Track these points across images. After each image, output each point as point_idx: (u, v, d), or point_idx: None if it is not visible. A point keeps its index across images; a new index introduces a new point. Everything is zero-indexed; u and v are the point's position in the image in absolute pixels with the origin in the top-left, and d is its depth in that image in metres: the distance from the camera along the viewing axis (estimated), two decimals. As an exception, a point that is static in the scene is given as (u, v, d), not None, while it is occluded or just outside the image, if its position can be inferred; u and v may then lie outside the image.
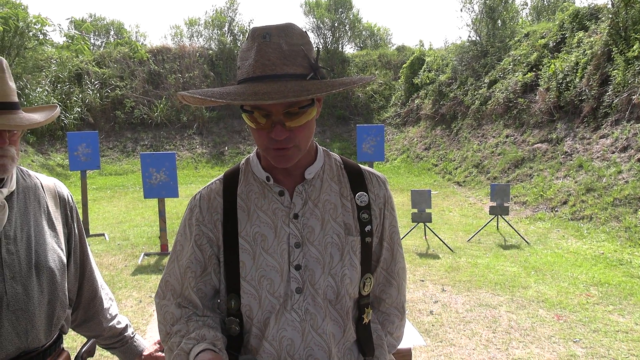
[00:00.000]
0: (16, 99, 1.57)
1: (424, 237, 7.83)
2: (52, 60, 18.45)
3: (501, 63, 14.57)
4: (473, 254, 7.06)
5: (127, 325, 1.89)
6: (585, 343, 4.30)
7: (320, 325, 1.33)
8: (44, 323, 1.58)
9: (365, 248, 1.40)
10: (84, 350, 1.77)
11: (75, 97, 17.92)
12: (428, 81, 18.03)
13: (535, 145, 11.37)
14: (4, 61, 1.55)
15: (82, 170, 8.85)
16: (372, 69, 21.97)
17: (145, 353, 1.87)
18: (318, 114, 1.34)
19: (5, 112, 1.51)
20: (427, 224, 7.64)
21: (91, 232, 8.59)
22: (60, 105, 16.75)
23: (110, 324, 1.82)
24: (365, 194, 1.42)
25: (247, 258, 1.34)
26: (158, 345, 1.86)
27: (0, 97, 1.51)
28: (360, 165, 1.49)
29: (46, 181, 1.73)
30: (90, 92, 18.37)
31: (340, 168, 1.45)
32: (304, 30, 1.26)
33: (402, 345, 2.01)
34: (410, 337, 2.04)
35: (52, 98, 16.94)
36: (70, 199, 1.77)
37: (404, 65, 20.11)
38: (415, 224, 7.62)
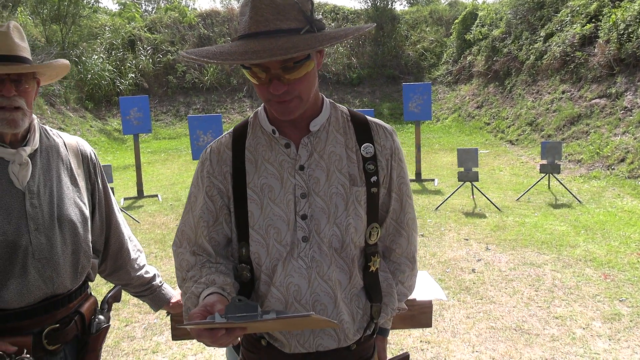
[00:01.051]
0: (23, 55, 1.62)
1: (471, 197, 7.72)
2: (105, 27, 18.93)
3: (558, 15, 13.85)
4: (521, 212, 6.92)
5: (155, 274, 1.99)
6: (632, 302, 4.19)
7: (326, 272, 1.37)
8: (69, 271, 1.68)
9: (371, 198, 1.42)
10: (109, 295, 1.90)
11: (129, 63, 18.39)
12: (481, 37, 17.40)
13: (593, 101, 10.86)
14: (13, 23, 1.63)
15: (135, 134, 9.16)
16: (423, 26, 21.37)
17: (172, 301, 1.97)
18: (320, 65, 1.35)
19: (7, 63, 1.57)
20: (475, 183, 7.51)
21: (145, 194, 8.94)
22: (115, 72, 17.30)
23: (138, 274, 1.93)
24: (371, 145, 1.43)
25: (255, 208, 1.39)
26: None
27: (4, 50, 1.57)
28: (367, 117, 1.49)
29: (69, 140, 1.81)
30: (143, 58, 18.79)
31: (346, 120, 1.46)
32: None
33: (422, 297, 2.04)
34: (430, 291, 2.06)
35: (107, 65, 17.44)
36: (93, 155, 1.85)
37: (456, 20, 19.45)
38: (462, 182, 7.51)
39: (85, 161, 1.82)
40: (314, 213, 1.37)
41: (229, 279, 1.38)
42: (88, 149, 1.85)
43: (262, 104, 1.46)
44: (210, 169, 1.44)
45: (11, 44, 1.59)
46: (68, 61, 1.77)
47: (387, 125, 1.50)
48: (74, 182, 1.75)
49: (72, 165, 1.76)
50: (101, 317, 1.81)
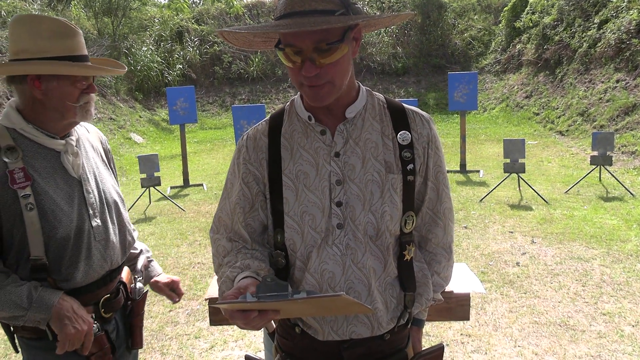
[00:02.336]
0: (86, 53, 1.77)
1: (517, 189, 7.54)
2: (154, 19, 19.32)
3: (614, 1, 13.28)
4: (569, 205, 6.72)
5: (141, 250, 2.13)
6: (686, 300, 4.02)
7: (360, 259, 1.37)
8: (119, 248, 1.86)
9: (407, 186, 1.40)
10: (142, 265, 2.07)
11: (177, 54, 18.73)
12: (531, 24, 16.86)
13: (650, 90, 10.39)
14: (63, 20, 1.73)
15: (181, 124, 9.35)
16: (471, 14, 20.89)
17: (155, 279, 2.11)
18: (355, 54, 1.34)
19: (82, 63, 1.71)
20: (521, 174, 7.33)
21: (191, 183, 9.13)
22: (163, 63, 17.67)
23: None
24: (407, 132, 1.41)
25: (290, 195, 1.40)
26: (168, 279, 2.13)
27: (78, 50, 1.70)
28: (404, 104, 1.48)
29: (91, 128, 1.97)
30: (191, 49, 19.10)
31: (383, 107, 1.45)
32: None
33: (460, 290, 2.02)
34: (469, 283, 2.03)
35: (156, 56, 17.82)
36: (107, 143, 2.02)
37: (505, 8, 18.90)
38: (508, 174, 7.34)
39: (105, 147, 1.98)
40: (349, 200, 1.37)
41: (264, 264, 1.39)
42: (103, 136, 2.02)
43: (299, 92, 1.47)
44: (246, 155, 1.46)
45: (82, 43, 1.73)
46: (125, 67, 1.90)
47: (424, 113, 1.48)
48: (106, 166, 1.92)
49: (100, 152, 1.92)
50: (139, 284, 1.98)
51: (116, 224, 1.85)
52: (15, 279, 1.60)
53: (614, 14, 12.96)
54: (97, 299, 1.78)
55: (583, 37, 13.91)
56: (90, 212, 1.74)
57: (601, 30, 13.18)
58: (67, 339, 1.61)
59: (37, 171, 1.64)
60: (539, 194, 7.09)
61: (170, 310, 4.27)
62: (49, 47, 1.63)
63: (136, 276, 2.00)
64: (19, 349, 1.76)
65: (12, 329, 1.71)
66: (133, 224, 2.13)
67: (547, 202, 6.87)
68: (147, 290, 2.04)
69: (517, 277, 4.62)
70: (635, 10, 12.02)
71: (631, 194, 7.04)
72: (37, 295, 1.59)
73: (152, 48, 18.14)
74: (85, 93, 1.70)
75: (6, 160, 1.59)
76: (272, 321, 1.53)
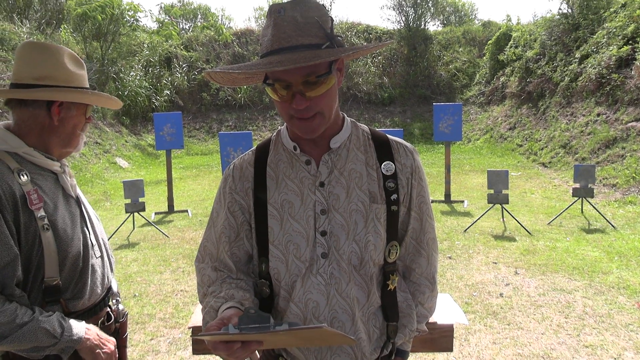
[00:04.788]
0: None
1: (500, 219, 7.60)
2: (144, 45, 19.44)
3: (594, 36, 13.65)
4: (552, 237, 6.78)
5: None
6: (667, 332, 4.05)
7: (344, 289, 1.37)
8: (108, 265, 1.91)
9: (391, 216, 1.42)
10: (117, 290, 2.07)
11: (165, 80, 18.82)
12: (514, 57, 17.25)
13: (630, 124, 10.62)
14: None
15: (167, 150, 9.33)
16: (456, 47, 21.32)
17: None
18: (340, 84, 1.37)
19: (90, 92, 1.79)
20: (505, 205, 7.40)
21: (175, 209, 9.06)
22: (151, 88, 17.73)
23: None
24: (391, 163, 1.44)
25: (275, 224, 1.40)
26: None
27: (86, 81, 1.79)
28: (388, 136, 1.50)
29: None
30: (179, 75, 19.21)
31: (367, 138, 1.48)
32: (321, 3, 1.30)
33: (444, 321, 2.02)
34: (452, 314, 2.03)
35: (144, 81, 17.87)
36: None
37: (490, 41, 19.35)
38: (492, 205, 7.40)
39: None
40: (333, 229, 1.38)
41: (248, 294, 1.39)
42: None
43: (285, 123, 1.49)
44: (232, 185, 1.47)
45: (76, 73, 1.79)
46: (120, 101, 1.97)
47: (407, 144, 1.51)
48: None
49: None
50: (121, 305, 1.99)
51: (102, 243, 1.88)
52: (41, 310, 1.59)
53: (595, 50, 13.32)
54: (98, 320, 1.82)
55: (565, 72, 14.24)
56: (90, 228, 1.80)
57: (582, 65, 13.51)
58: None
59: (45, 192, 1.66)
60: (522, 225, 7.15)
61: (152, 339, 4.20)
62: (73, 77, 1.71)
63: (118, 299, 2.00)
64: None
65: None
66: (116, 249, 2.15)
67: (530, 233, 6.93)
68: (128, 312, 2.05)
69: (501, 308, 4.63)
70: (615, 47, 12.36)
71: (612, 226, 7.13)
72: (67, 324, 1.60)
73: (141, 73, 18.21)
74: (87, 123, 1.79)
75: (21, 182, 1.59)
76: (257, 351, 1.52)
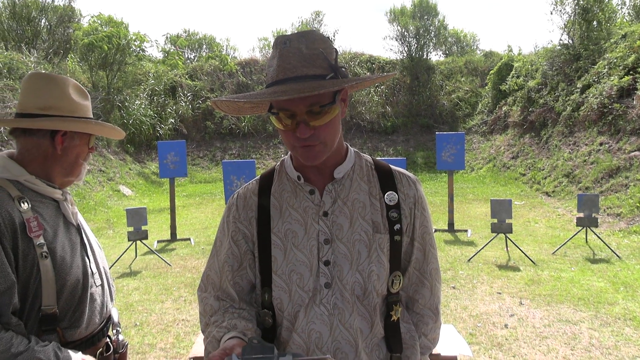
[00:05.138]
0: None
1: (504, 249, 7.55)
2: (149, 74, 19.69)
3: (595, 67, 13.78)
4: (557, 267, 6.72)
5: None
6: (676, 365, 3.98)
7: (347, 319, 1.36)
8: (109, 294, 1.90)
9: (394, 246, 1.42)
10: (117, 320, 2.05)
11: (170, 108, 18.99)
12: (516, 87, 17.40)
13: (633, 154, 10.63)
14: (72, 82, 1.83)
15: (171, 178, 9.37)
16: (458, 76, 21.53)
17: None
18: (344, 114, 1.39)
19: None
20: (508, 235, 7.36)
21: (178, 237, 9.05)
22: (156, 117, 17.90)
23: None
24: (394, 193, 1.44)
25: (278, 253, 1.40)
26: None
27: (91, 112, 1.82)
28: (391, 166, 1.51)
29: None
30: (183, 104, 19.40)
31: (370, 168, 1.48)
32: (326, 36, 1.32)
33: (447, 352, 2.00)
34: (456, 345, 2.01)
35: (149, 110, 18.05)
36: None
37: (491, 71, 19.55)
38: (495, 234, 7.37)
39: None
40: (336, 259, 1.38)
41: (251, 324, 1.38)
42: None
43: (289, 153, 1.50)
44: (236, 214, 1.47)
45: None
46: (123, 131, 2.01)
47: (410, 174, 1.51)
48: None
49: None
50: (121, 336, 1.97)
51: (103, 271, 1.87)
52: (37, 339, 1.58)
53: (596, 80, 13.42)
54: (96, 351, 1.79)
55: (567, 101, 14.33)
56: (90, 256, 1.80)
57: (584, 95, 13.60)
58: None
59: (45, 220, 1.66)
60: (526, 255, 7.10)
61: (152, 369, 4.15)
62: (77, 107, 1.75)
63: (118, 329, 1.98)
64: None
65: None
66: (117, 278, 2.14)
67: (534, 263, 6.88)
68: (128, 342, 2.03)
69: (506, 339, 4.57)
70: (616, 77, 12.46)
71: (617, 256, 7.07)
72: (63, 355, 1.58)
73: (146, 102, 18.39)
74: (89, 152, 1.82)
75: (21, 209, 1.60)
76: None
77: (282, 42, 1.27)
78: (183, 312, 5.39)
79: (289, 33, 1.31)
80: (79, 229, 1.80)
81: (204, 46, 28.58)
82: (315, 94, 1.24)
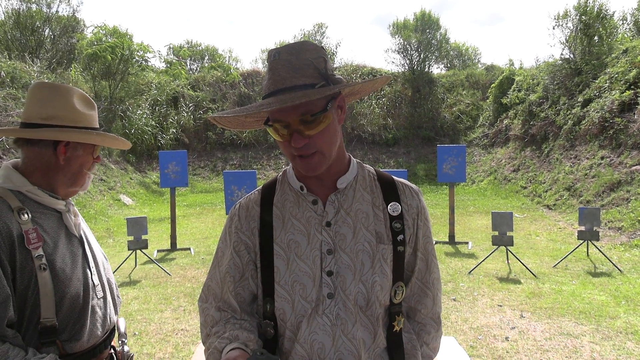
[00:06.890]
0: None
1: (505, 261, 7.53)
2: (152, 84, 19.78)
3: (596, 81, 13.83)
4: (558, 280, 6.70)
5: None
6: (678, 380, 3.95)
7: (350, 330, 1.36)
8: (112, 306, 1.87)
9: (397, 256, 1.42)
10: (124, 331, 2.05)
11: (171, 118, 19.06)
12: (518, 101, 17.45)
13: (634, 168, 10.64)
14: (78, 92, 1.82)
15: (172, 187, 9.37)
16: (459, 89, 21.60)
17: None
18: (341, 122, 1.39)
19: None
20: (509, 247, 7.34)
21: (178, 246, 9.03)
22: (157, 127, 17.96)
23: None
24: (397, 204, 1.44)
25: (281, 264, 1.40)
26: None
27: (96, 122, 1.82)
28: (393, 177, 1.52)
29: None
30: (185, 114, 19.47)
31: (373, 179, 1.49)
32: (320, 45, 1.34)
33: (449, 362, 1.99)
34: (457, 358, 2.00)
35: (151, 120, 18.10)
36: None
37: (493, 85, 19.63)
38: (496, 247, 7.36)
39: None
40: (339, 269, 1.38)
41: (253, 335, 1.37)
42: None
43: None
44: (238, 224, 1.47)
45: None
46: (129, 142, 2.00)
47: (413, 185, 1.52)
48: (87, 225, 1.95)
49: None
50: (126, 347, 1.94)
51: (106, 283, 1.85)
52: (34, 351, 1.55)
53: (597, 94, 13.47)
54: None
55: (568, 115, 14.37)
56: (93, 269, 1.77)
57: (585, 109, 13.64)
58: None
59: (46, 231, 1.65)
60: (527, 268, 7.08)
61: (151, 379, 4.13)
62: (81, 117, 1.73)
63: (124, 339, 1.96)
64: None
65: None
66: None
67: (535, 276, 6.86)
68: (134, 354, 2.01)
69: (507, 352, 4.54)
70: (617, 91, 12.51)
71: (619, 269, 7.05)
72: None
73: (148, 112, 18.46)
74: (94, 162, 1.81)
75: (20, 220, 1.59)
76: None
77: (273, 55, 1.29)
78: (182, 322, 5.37)
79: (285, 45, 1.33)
80: (81, 240, 1.77)
81: (207, 57, 28.73)
82: (305, 103, 1.25)
